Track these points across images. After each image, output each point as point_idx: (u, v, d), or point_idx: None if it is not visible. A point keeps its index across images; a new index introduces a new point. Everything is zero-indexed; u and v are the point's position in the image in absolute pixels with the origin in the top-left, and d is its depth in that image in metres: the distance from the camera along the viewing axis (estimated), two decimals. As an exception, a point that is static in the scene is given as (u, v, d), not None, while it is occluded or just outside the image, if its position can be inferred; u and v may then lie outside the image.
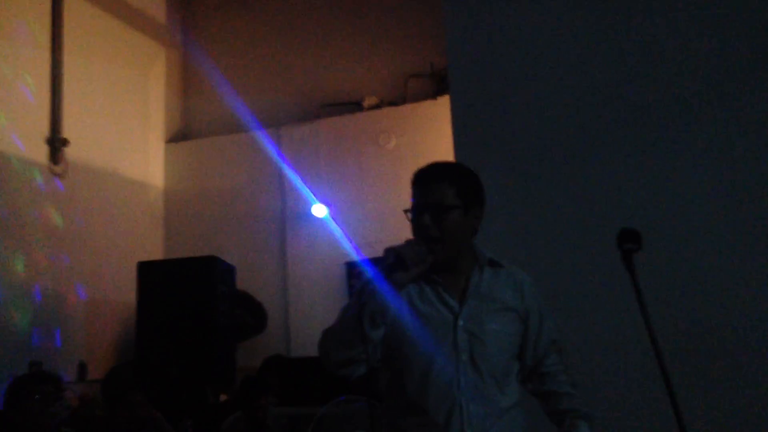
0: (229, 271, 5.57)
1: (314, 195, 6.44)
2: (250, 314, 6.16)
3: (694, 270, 3.00)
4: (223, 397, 5.77)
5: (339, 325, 1.89)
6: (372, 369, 1.98)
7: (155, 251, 6.77)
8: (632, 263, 1.80)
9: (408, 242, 1.89)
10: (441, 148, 5.18)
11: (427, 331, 1.89)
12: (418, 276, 1.88)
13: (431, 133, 5.96)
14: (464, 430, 1.83)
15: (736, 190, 3.03)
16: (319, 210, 6.41)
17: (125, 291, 5.84)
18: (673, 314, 2.85)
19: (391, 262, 1.81)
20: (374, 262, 1.89)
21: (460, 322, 1.90)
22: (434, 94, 6.32)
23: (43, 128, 5.83)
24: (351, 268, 5.96)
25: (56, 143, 5.83)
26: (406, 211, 1.95)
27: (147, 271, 5.37)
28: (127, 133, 6.85)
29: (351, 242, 6.02)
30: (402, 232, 1.98)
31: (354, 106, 6.66)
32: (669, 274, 2.95)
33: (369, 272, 1.87)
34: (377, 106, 6.58)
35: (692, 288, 2.99)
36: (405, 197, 1.99)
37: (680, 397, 1.65)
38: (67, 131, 5.96)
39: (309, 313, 6.08)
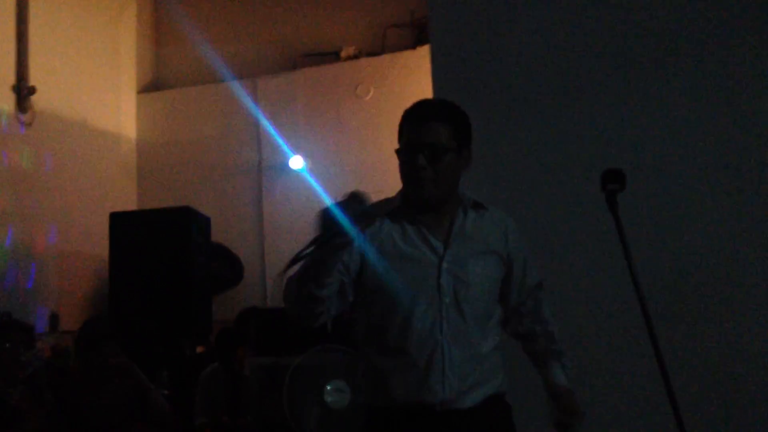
0: (204, 222, 5.49)
1: (291, 147, 6.35)
2: (227, 266, 6.11)
3: (677, 212, 3.00)
4: (199, 350, 5.75)
5: (301, 275, 1.78)
6: (346, 317, 1.94)
7: (128, 203, 6.67)
8: (616, 204, 1.78)
9: (349, 198, 1.75)
10: (420, 98, 5.08)
11: (409, 273, 1.84)
12: (404, 214, 1.85)
13: (410, 84, 5.86)
14: (445, 373, 1.81)
15: (721, 133, 3.02)
16: (296, 162, 6.32)
17: (97, 243, 5.74)
18: (656, 256, 2.85)
19: (364, 210, 1.71)
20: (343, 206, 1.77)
21: (445, 264, 1.85)
22: (414, 44, 6.21)
23: (9, 76, 5.66)
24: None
25: (23, 91, 5.66)
26: (397, 151, 1.87)
27: (119, 222, 5.27)
28: (97, 82, 6.67)
29: (328, 194, 5.96)
30: (380, 183, 1.92)
31: (332, 56, 6.53)
32: (652, 216, 2.95)
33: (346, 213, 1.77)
34: (355, 57, 6.45)
35: (676, 230, 3.00)
36: (384, 149, 1.93)
37: (662, 339, 1.65)
38: (34, 79, 5.79)
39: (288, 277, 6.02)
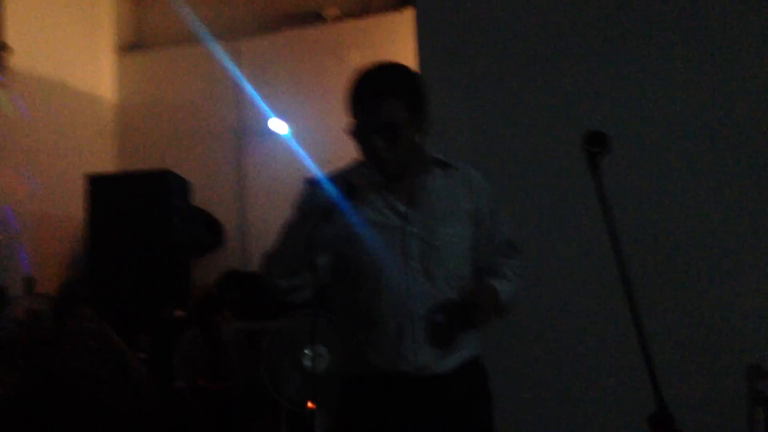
0: (183, 185, 5.41)
1: (274, 111, 6.25)
2: (207, 230, 6.05)
3: (658, 178, 2.98)
4: (179, 314, 5.72)
5: (284, 251, 1.78)
6: (323, 287, 1.90)
7: (107, 166, 6.55)
8: (598, 167, 1.74)
9: (354, 166, 1.78)
10: (404, 62, 4.99)
11: (376, 240, 1.78)
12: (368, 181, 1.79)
13: (395, 47, 5.75)
14: (416, 340, 1.77)
15: (705, 97, 2.99)
16: (278, 126, 6.23)
17: (75, 206, 5.65)
18: (637, 221, 2.83)
19: (341, 189, 1.70)
20: (331, 179, 1.77)
21: (410, 228, 1.79)
22: (398, 6, 6.09)
23: (-17, 33, 5.51)
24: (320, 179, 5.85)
25: (-3, 49, 5.51)
26: (349, 132, 1.77)
27: (97, 184, 5.18)
28: (76, 41, 6.51)
29: (311, 159, 5.89)
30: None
31: (315, 17, 6.39)
32: (633, 181, 2.93)
33: (319, 192, 1.77)
34: (339, 19, 6.33)
35: (657, 196, 2.98)
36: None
37: (642, 304, 1.62)
38: (10, 37, 5.61)
39: (267, 230, 5.94)
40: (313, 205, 1.76)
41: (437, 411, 1.79)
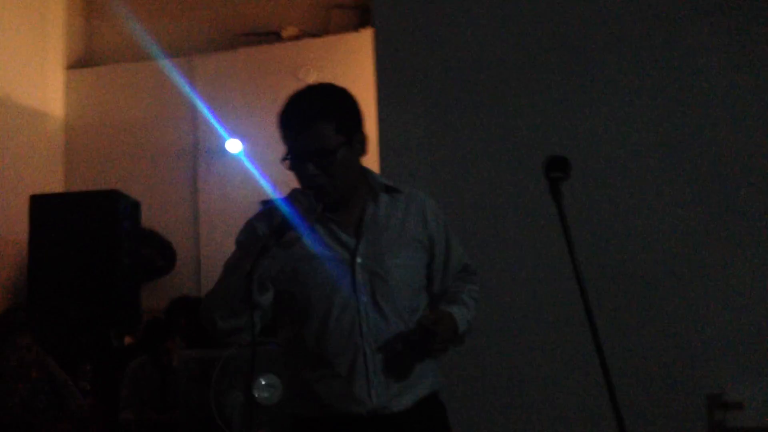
0: (133, 206, 5.21)
1: (229, 130, 6.11)
2: (158, 253, 5.85)
3: (620, 202, 2.97)
4: (128, 341, 5.51)
5: (224, 291, 1.68)
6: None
7: (54, 186, 6.31)
8: (559, 192, 1.68)
9: (292, 194, 1.69)
10: (363, 82, 4.95)
11: (322, 275, 1.69)
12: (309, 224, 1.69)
13: (353, 67, 5.70)
14: (370, 379, 1.68)
15: (664, 120, 3.00)
16: (234, 146, 6.09)
17: (17, 228, 5.41)
18: (596, 247, 2.81)
19: (278, 222, 1.61)
20: (287, 201, 1.67)
21: (358, 260, 1.71)
22: (357, 26, 6.05)
23: (-77, 46, 5.27)
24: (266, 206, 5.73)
25: (-63, 62, 5.27)
26: (283, 160, 1.70)
27: (40, 205, 4.95)
28: (22, 55, 6.28)
29: (267, 180, 5.76)
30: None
31: (273, 36, 6.30)
32: (595, 206, 2.90)
33: (259, 226, 1.70)
34: (297, 38, 6.25)
35: (619, 220, 2.97)
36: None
37: (603, 331, 1.57)
38: (-49, 50, 5.41)
39: (222, 253, 5.80)
40: (253, 239, 1.66)
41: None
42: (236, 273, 1.63)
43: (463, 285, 1.86)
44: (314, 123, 1.65)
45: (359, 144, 1.74)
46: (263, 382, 3.22)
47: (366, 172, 1.80)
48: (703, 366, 2.83)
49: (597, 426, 1.84)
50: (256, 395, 3.18)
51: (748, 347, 2.84)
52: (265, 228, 1.67)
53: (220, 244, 6.00)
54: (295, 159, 1.68)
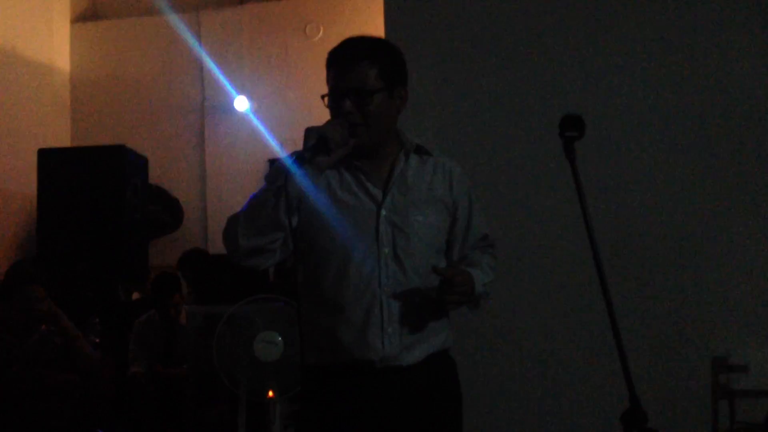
0: (141, 162, 5.20)
1: (236, 86, 6.07)
2: (165, 210, 5.86)
3: (634, 163, 2.94)
4: (135, 296, 5.56)
5: (250, 210, 1.68)
6: (289, 265, 1.82)
7: (61, 140, 6.31)
8: (573, 151, 1.66)
9: (330, 122, 1.68)
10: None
11: (346, 222, 1.71)
12: (340, 159, 1.69)
13: (361, 25, 5.61)
14: (384, 329, 1.69)
15: (682, 82, 2.96)
16: (241, 103, 6.05)
17: (25, 181, 5.41)
18: (605, 214, 2.79)
19: (313, 144, 1.61)
20: (322, 128, 1.66)
21: (383, 213, 1.72)
22: (367, -18, 5.95)
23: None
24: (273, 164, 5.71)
25: (-57, 14, 5.21)
26: (323, 97, 1.73)
27: (48, 159, 4.94)
28: (28, 9, 6.21)
29: (274, 138, 5.73)
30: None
31: (280, -10, 6.21)
32: (605, 174, 2.88)
33: (286, 156, 1.67)
34: (305, -6, 6.16)
35: (627, 188, 2.95)
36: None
37: (614, 292, 1.57)
38: (-43, 4, 5.34)
39: (228, 211, 5.80)
40: (284, 167, 1.63)
41: (403, 403, 1.72)
42: (268, 191, 1.64)
43: (482, 255, 1.88)
44: (358, 62, 1.68)
45: (399, 99, 1.76)
46: (263, 339, 3.24)
47: (399, 131, 1.81)
48: (708, 329, 2.84)
49: (605, 386, 1.86)
50: (256, 351, 3.20)
51: (754, 311, 2.85)
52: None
53: (226, 202, 6.01)
54: (334, 95, 1.71)
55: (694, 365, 2.79)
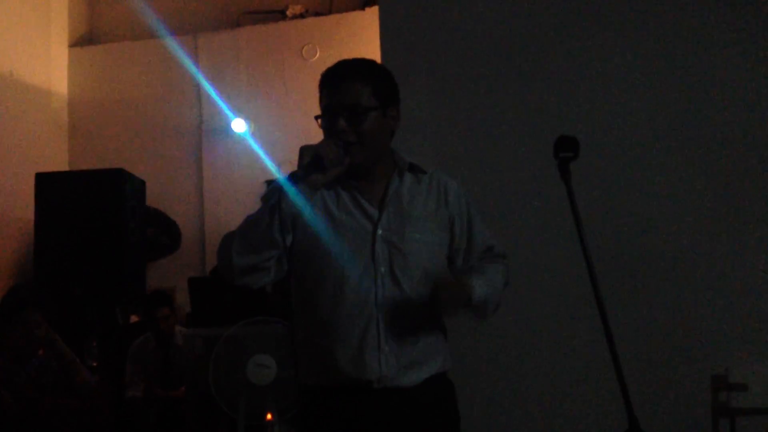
0: (138, 185, 5.21)
1: (233, 109, 6.09)
2: (163, 232, 5.87)
3: (629, 181, 2.95)
4: (134, 319, 5.54)
5: (245, 228, 1.69)
6: (284, 285, 1.82)
7: (59, 164, 6.32)
8: (568, 172, 1.69)
9: (324, 141, 1.70)
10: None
11: (342, 241, 1.72)
12: (335, 178, 1.70)
13: (358, 46, 5.66)
14: (381, 348, 1.69)
15: (676, 101, 2.97)
16: (239, 125, 6.08)
17: (23, 205, 5.41)
18: (603, 228, 2.79)
19: (308, 162, 1.62)
20: (317, 147, 1.68)
21: (379, 231, 1.73)
22: (362, 5, 6.01)
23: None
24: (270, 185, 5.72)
25: (-58, 40, 5.24)
26: (317, 118, 1.75)
27: (46, 183, 4.95)
28: (27, 33, 6.25)
29: (271, 159, 5.75)
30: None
31: (277, 14, 6.26)
32: (604, 186, 2.89)
33: (281, 176, 1.68)
34: (302, 16, 6.21)
35: (628, 200, 2.95)
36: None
37: (610, 311, 1.58)
38: (-44, 28, 5.37)
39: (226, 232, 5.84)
40: (278, 187, 1.66)
41: (401, 424, 1.72)
42: (262, 210, 1.65)
43: (489, 263, 1.87)
44: (352, 80, 1.71)
45: (392, 118, 1.78)
46: (256, 362, 3.23)
47: (393, 150, 1.83)
48: (708, 347, 2.82)
49: (604, 406, 1.85)
50: (249, 374, 3.19)
51: (754, 329, 2.84)
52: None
53: (224, 224, 6.01)
54: (328, 114, 1.72)
55: (693, 383, 2.78)
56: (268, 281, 1.73)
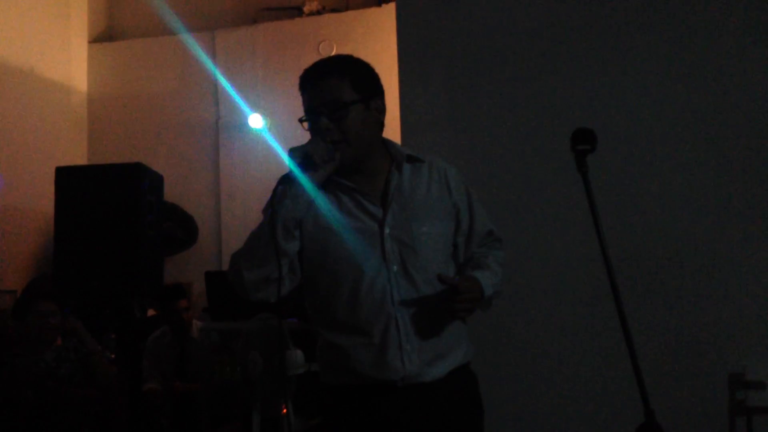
0: (156, 180, 5.21)
1: (250, 104, 6.12)
2: (180, 227, 5.90)
3: (645, 181, 2.92)
4: (151, 312, 5.58)
5: (249, 243, 1.70)
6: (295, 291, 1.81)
7: (78, 158, 6.39)
8: (585, 165, 1.67)
9: (313, 139, 1.69)
10: (384, 58, 4.92)
11: (351, 245, 1.70)
12: (334, 183, 1.71)
13: (375, 43, 5.67)
14: (403, 348, 1.69)
15: (694, 95, 2.94)
16: (256, 121, 6.10)
17: (43, 199, 5.48)
18: (622, 225, 2.78)
19: (298, 162, 1.63)
20: (306, 146, 1.69)
21: (387, 230, 1.72)
22: (379, 1, 6.01)
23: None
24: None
25: (-36, 36, 5.32)
26: (301, 121, 1.74)
27: (66, 177, 4.96)
28: (47, 30, 6.32)
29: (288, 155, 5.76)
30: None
31: (294, 10, 6.28)
32: (620, 185, 2.87)
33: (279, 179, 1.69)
34: (318, 12, 6.22)
35: (643, 199, 2.93)
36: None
37: (628, 304, 1.57)
38: (-22, 26, 5.45)
39: (242, 227, 5.86)
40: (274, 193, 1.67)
41: (426, 418, 1.72)
42: (264, 222, 1.65)
43: (488, 251, 1.87)
44: (329, 77, 1.70)
45: (376, 110, 1.75)
46: (251, 358, 3.27)
47: (387, 143, 1.81)
48: (725, 344, 2.80)
49: (620, 400, 1.85)
50: (248, 368, 3.23)
51: (770, 327, 2.81)
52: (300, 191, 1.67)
53: (240, 219, 6.05)
54: (309, 114, 1.71)
55: (710, 380, 2.76)
56: (285, 292, 1.71)
